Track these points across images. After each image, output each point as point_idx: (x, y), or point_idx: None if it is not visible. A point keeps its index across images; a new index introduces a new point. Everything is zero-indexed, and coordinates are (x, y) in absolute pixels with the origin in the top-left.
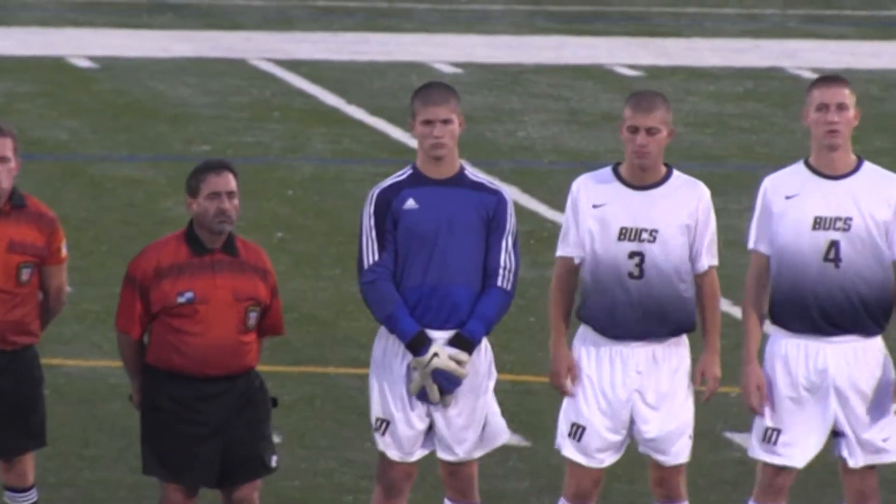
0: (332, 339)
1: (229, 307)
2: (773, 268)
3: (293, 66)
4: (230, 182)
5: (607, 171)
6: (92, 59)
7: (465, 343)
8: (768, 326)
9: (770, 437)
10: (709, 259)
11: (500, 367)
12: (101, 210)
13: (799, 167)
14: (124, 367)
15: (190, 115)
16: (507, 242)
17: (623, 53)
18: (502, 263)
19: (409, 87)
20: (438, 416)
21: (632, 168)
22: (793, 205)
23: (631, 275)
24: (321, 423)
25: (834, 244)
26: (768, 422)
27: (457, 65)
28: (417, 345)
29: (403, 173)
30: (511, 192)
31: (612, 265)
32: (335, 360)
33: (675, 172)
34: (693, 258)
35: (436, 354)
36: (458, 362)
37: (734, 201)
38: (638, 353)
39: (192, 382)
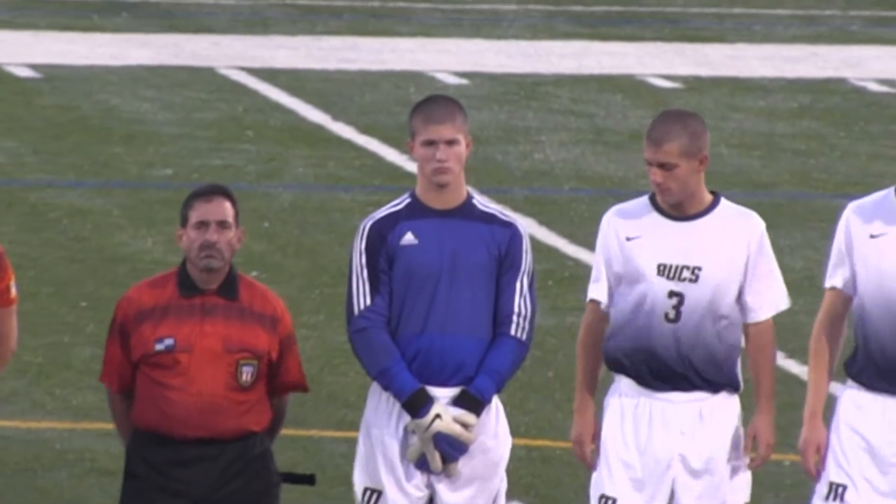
0: (315, 398)
1: (216, 358)
2: (855, 315)
3: (269, 75)
4: (222, 210)
5: (643, 200)
6: (33, 67)
7: (472, 403)
8: (836, 382)
9: (836, 493)
10: (767, 307)
11: (514, 430)
12: (43, 245)
13: (889, 197)
14: (116, 429)
15: (148, 133)
16: (521, 284)
17: (657, 62)
18: (516, 309)
19: (406, 101)
20: (442, 488)
21: None
22: (877, 245)
23: (667, 317)
24: (303, 496)
25: None
26: (833, 476)
27: (462, 75)
28: (417, 404)
29: (400, 202)
30: (526, 225)
31: (646, 306)
32: (319, 422)
33: (724, 201)
34: (744, 304)
35: (438, 416)
36: (464, 425)
37: (786, 236)
38: (682, 411)
39: (171, 445)
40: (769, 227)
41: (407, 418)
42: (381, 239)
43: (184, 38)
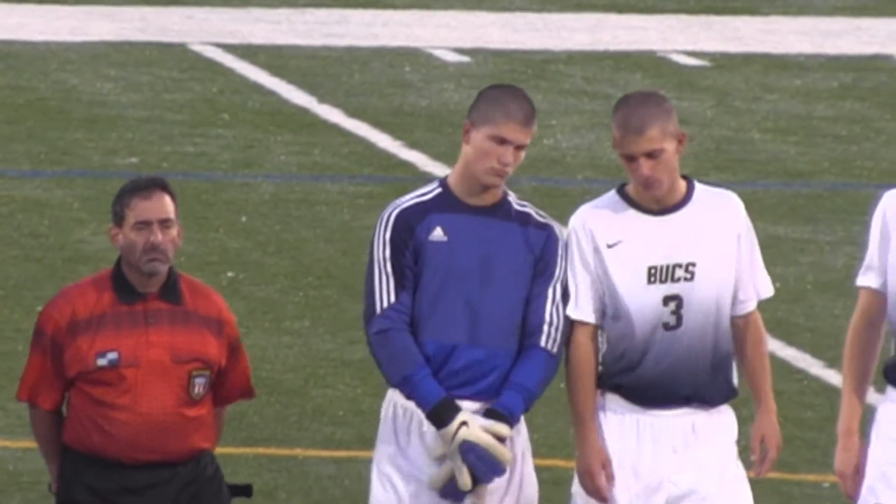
0: (299, 413)
1: (166, 371)
2: (891, 313)
3: (247, 52)
4: (164, 207)
5: (612, 196)
6: None
7: (500, 420)
8: (874, 393)
9: None
10: (761, 290)
11: None
12: None
13: None
14: (39, 449)
15: (111, 117)
16: (554, 291)
17: (680, 37)
18: (548, 318)
19: (401, 81)
20: None
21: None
22: None
23: (667, 325)
24: None
25: None
26: (884, 497)
27: (463, 51)
28: (442, 414)
29: (429, 191)
30: None
31: (641, 317)
32: (303, 440)
33: (698, 185)
34: (736, 294)
35: (464, 423)
36: (497, 438)
37: (826, 231)
38: (674, 426)
39: (118, 470)
40: (807, 222)
41: (429, 437)
42: (409, 230)
43: (152, 10)
